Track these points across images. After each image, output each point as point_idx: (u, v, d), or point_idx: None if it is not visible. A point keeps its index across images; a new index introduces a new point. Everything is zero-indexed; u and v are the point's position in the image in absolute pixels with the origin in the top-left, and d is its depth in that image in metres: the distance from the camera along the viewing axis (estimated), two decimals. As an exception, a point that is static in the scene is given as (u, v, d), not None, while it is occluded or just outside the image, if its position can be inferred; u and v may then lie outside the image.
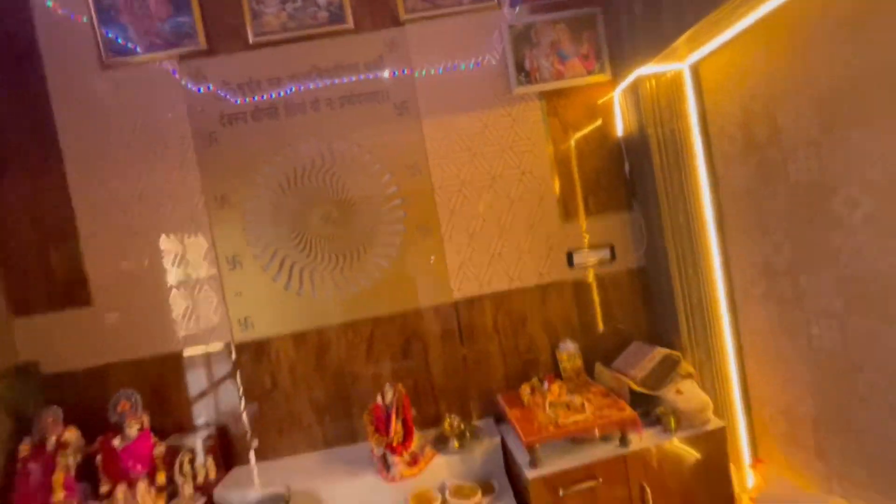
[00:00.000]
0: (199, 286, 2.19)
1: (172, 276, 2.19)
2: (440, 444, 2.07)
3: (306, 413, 2.23)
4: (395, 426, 1.97)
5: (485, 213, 2.25)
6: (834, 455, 1.66)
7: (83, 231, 2.16)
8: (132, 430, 2.03)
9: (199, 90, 2.17)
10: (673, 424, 1.84)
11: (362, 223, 2.22)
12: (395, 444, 1.94)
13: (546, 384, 2.10)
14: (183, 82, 2.16)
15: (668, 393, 1.92)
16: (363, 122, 2.22)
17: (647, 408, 1.93)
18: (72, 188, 2.16)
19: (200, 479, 2.07)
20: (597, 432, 1.85)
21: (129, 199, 2.17)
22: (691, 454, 1.82)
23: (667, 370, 1.98)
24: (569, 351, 2.22)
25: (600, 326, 2.31)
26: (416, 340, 2.25)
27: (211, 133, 2.18)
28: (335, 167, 2.21)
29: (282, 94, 2.19)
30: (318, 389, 2.23)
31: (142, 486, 1.92)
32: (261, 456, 2.23)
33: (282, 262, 2.21)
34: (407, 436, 1.99)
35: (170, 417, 2.19)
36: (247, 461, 2.22)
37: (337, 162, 2.21)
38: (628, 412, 1.83)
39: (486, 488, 1.93)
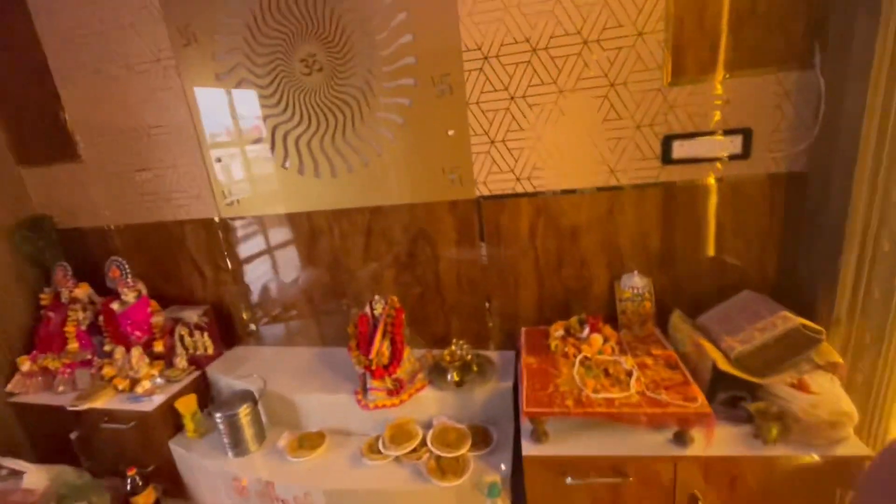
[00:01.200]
0: (180, 146, 1.84)
1: (150, 130, 1.84)
2: (436, 374, 1.66)
3: (301, 305, 1.95)
4: (378, 346, 1.58)
5: (535, 62, 1.41)
6: None
7: (55, 70, 1.86)
8: (129, 297, 1.95)
9: None
10: (774, 434, 1.15)
11: (355, 70, 1.56)
12: (374, 367, 1.57)
13: (587, 330, 1.48)
14: None
15: (782, 385, 1.19)
16: None
17: (738, 395, 1.25)
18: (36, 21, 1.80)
19: (201, 351, 2.00)
20: (641, 419, 1.25)
21: (88, 32, 1.75)
22: (792, 479, 1.16)
23: (792, 350, 1.21)
24: (634, 288, 1.51)
25: (696, 257, 1.51)
26: (424, 242, 1.72)
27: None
28: (321, -17, 1.50)
29: None
30: (312, 281, 1.90)
31: (136, 352, 1.88)
32: (259, 340, 2.08)
33: (262, 124, 1.71)
34: (393, 358, 1.60)
35: (171, 288, 2.07)
36: (247, 342, 2.10)
37: (322, -26, 1.49)
38: (699, 404, 1.17)
39: (482, 437, 1.52)
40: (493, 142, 1.52)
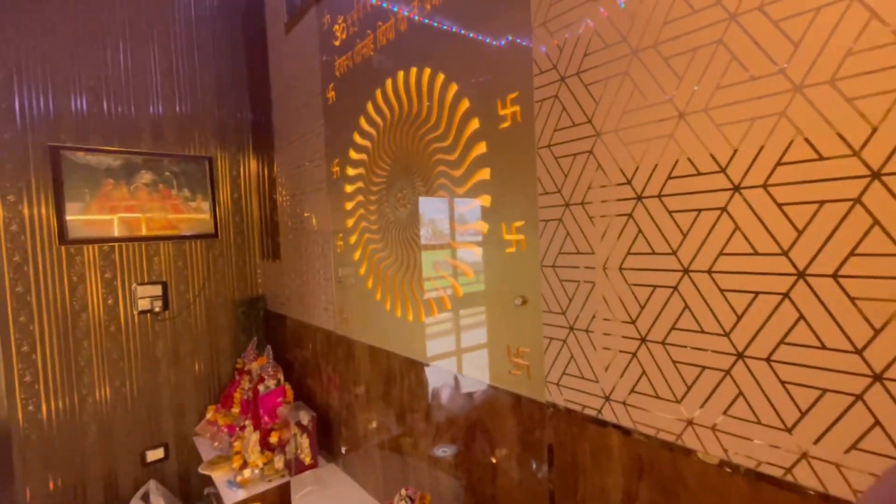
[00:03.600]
0: (322, 261, 2.01)
1: (311, 244, 2.11)
2: None
3: (373, 447, 1.73)
4: (381, 566, 1.16)
5: (639, 216, 0.82)
6: None
7: (279, 188, 2.40)
8: (270, 383, 2.20)
9: (324, 36, 1.83)
10: None
11: (423, 206, 1.33)
12: None
13: None
14: (315, 29, 1.88)
15: None
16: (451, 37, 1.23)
17: None
18: (277, 156, 2.41)
19: (303, 457, 2.03)
20: None
21: (292, 167, 2.20)
22: None
23: None
24: None
25: None
26: (482, 436, 1.22)
27: (329, 85, 1.83)
28: (417, 113, 1.37)
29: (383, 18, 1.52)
30: (383, 428, 1.65)
31: (254, 436, 2.06)
32: (345, 465, 1.95)
33: (367, 251, 1.68)
34: None
35: (309, 383, 2.24)
36: (338, 462, 2.00)
37: (417, 98, 1.37)
38: None
39: None
40: (572, 328, 0.96)
